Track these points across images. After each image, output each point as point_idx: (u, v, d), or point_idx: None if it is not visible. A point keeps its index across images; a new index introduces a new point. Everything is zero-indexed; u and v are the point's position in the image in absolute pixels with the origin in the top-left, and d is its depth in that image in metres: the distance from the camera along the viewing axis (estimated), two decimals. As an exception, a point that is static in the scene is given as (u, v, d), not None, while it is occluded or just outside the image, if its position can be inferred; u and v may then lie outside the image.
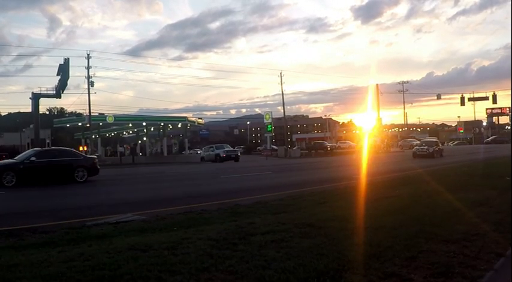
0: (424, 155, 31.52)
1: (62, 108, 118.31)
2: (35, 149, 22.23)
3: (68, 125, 69.24)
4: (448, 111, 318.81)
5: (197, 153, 61.35)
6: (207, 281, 4.00)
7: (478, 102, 78.87)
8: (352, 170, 21.17)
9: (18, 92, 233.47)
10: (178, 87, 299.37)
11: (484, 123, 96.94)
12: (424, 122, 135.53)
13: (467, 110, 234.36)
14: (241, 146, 75.84)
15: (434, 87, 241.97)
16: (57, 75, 53.71)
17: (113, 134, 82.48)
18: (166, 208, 10.15)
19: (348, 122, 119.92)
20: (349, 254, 4.71)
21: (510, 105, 77.10)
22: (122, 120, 63.30)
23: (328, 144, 57.19)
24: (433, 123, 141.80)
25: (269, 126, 55.89)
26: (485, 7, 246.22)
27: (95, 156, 24.58)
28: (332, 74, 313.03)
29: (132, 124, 67.01)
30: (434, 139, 42.37)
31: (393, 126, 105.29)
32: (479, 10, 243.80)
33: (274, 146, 60.74)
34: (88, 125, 53.20)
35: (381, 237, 5.48)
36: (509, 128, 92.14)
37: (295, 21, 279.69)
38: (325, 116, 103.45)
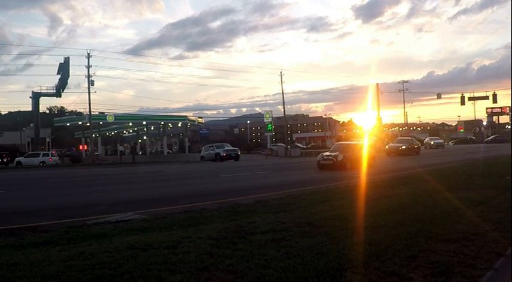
0: (329, 165, 22.04)
1: (62, 107, 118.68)
2: None
3: (68, 124, 69.28)
4: (448, 110, 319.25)
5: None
6: (207, 280, 4.00)
7: (478, 102, 78.82)
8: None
9: (19, 91, 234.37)
10: (179, 86, 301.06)
11: (484, 123, 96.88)
12: (425, 121, 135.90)
13: (468, 109, 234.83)
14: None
15: (434, 87, 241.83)
16: (57, 74, 53.90)
17: (113, 133, 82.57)
18: (166, 207, 10.16)
19: (348, 121, 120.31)
20: (349, 253, 4.71)
21: (510, 105, 77.22)
22: (122, 119, 63.36)
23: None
24: (433, 123, 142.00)
25: (269, 125, 55.96)
26: (486, 6, 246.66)
27: None
28: (333, 73, 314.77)
29: (132, 123, 67.10)
30: (356, 142, 31.48)
31: (393, 125, 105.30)
32: (480, 9, 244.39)
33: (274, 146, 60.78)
34: (88, 124, 53.17)
35: (381, 236, 5.47)
36: (509, 127, 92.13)
37: (296, 21, 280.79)
38: (326, 115, 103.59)
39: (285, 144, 57.78)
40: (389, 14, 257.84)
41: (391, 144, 41.02)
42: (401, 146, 37.88)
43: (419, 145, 41.79)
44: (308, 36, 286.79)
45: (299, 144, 70.64)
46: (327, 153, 23.47)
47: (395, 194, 10.47)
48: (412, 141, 41.18)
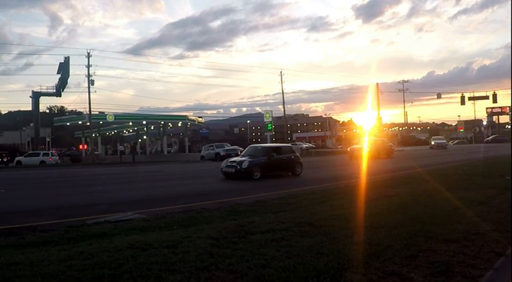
0: (231, 173, 17.93)
1: (62, 107, 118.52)
2: None
3: (68, 124, 69.28)
4: (448, 110, 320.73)
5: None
6: (207, 280, 4.00)
7: (478, 102, 78.92)
8: (351, 169, 21.18)
9: (19, 91, 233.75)
10: (179, 85, 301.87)
11: (484, 123, 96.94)
12: (425, 121, 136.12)
13: (468, 109, 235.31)
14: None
15: (434, 86, 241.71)
16: (57, 73, 53.88)
17: (113, 133, 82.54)
18: (166, 207, 10.16)
19: (348, 121, 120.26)
20: (349, 253, 4.71)
21: (510, 105, 77.27)
22: (122, 118, 63.36)
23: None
24: (433, 123, 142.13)
25: (269, 125, 55.87)
26: (486, 6, 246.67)
27: None
28: (333, 72, 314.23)
29: (132, 123, 67.07)
30: (278, 145, 24.39)
31: (393, 125, 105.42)
32: (481, 9, 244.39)
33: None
34: (88, 124, 53.14)
35: (381, 236, 5.48)
36: (509, 127, 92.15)
37: (297, 20, 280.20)
38: (326, 115, 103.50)
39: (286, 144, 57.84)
40: (389, 14, 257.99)
41: (354, 145, 36.02)
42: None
43: (392, 147, 36.88)
44: (308, 36, 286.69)
45: (308, 144, 70.57)
46: (233, 158, 19.81)
47: (395, 194, 10.48)
48: (381, 142, 36.43)
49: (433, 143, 52.82)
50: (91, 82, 47.78)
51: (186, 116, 66.54)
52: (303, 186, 14.34)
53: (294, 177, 18.67)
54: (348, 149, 35.49)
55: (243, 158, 18.66)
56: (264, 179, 17.59)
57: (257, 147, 21.19)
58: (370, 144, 33.67)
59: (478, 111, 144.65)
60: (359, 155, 30.90)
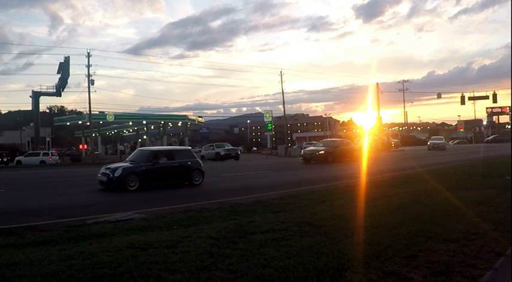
0: (103, 182, 14.95)
1: (62, 107, 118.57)
2: None
3: (68, 124, 69.27)
4: (448, 110, 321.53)
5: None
6: (207, 280, 4.00)
7: (478, 101, 78.81)
8: (351, 169, 21.17)
9: (19, 90, 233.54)
10: (179, 85, 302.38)
11: (484, 123, 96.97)
12: (425, 121, 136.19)
13: (468, 109, 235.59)
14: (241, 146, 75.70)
15: (435, 86, 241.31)
16: (57, 73, 53.84)
17: (113, 133, 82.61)
18: (166, 206, 10.17)
19: (348, 120, 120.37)
20: (349, 253, 4.71)
21: (510, 105, 77.27)
22: (122, 118, 63.41)
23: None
24: (434, 122, 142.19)
25: (269, 125, 55.97)
26: (486, 6, 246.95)
27: None
28: (333, 72, 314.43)
29: (132, 122, 67.15)
30: (169, 148, 21.37)
31: (393, 125, 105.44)
32: (481, 9, 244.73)
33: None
34: (88, 124, 53.10)
35: (381, 236, 5.48)
36: (509, 127, 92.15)
37: (297, 20, 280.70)
38: (326, 114, 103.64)
39: (285, 144, 57.86)
40: (390, 14, 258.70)
41: (310, 147, 31.73)
42: (318, 151, 28.49)
43: (355, 148, 30.48)
44: (309, 36, 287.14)
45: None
46: (111, 164, 16.35)
47: (395, 194, 10.47)
48: (341, 143, 30.66)
49: (428, 143, 50.24)
50: (91, 82, 47.73)
51: (186, 115, 66.54)
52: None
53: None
54: (301, 151, 31.27)
55: (120, 164, 15.82)
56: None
57: (143, 151, 17.71)
58: (325, 146, 29.28)
59: (478, 111, 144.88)
60: (312, 157, 28.27)
